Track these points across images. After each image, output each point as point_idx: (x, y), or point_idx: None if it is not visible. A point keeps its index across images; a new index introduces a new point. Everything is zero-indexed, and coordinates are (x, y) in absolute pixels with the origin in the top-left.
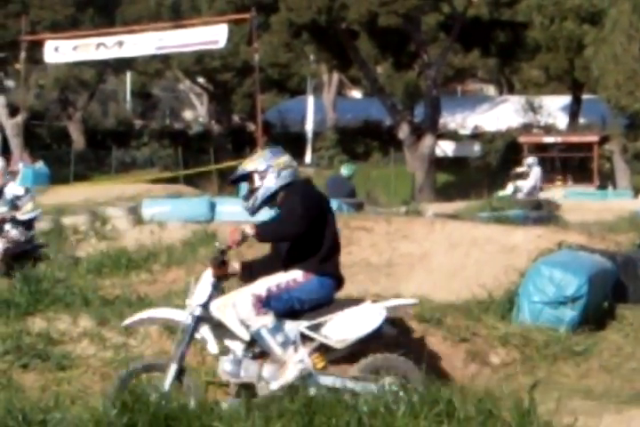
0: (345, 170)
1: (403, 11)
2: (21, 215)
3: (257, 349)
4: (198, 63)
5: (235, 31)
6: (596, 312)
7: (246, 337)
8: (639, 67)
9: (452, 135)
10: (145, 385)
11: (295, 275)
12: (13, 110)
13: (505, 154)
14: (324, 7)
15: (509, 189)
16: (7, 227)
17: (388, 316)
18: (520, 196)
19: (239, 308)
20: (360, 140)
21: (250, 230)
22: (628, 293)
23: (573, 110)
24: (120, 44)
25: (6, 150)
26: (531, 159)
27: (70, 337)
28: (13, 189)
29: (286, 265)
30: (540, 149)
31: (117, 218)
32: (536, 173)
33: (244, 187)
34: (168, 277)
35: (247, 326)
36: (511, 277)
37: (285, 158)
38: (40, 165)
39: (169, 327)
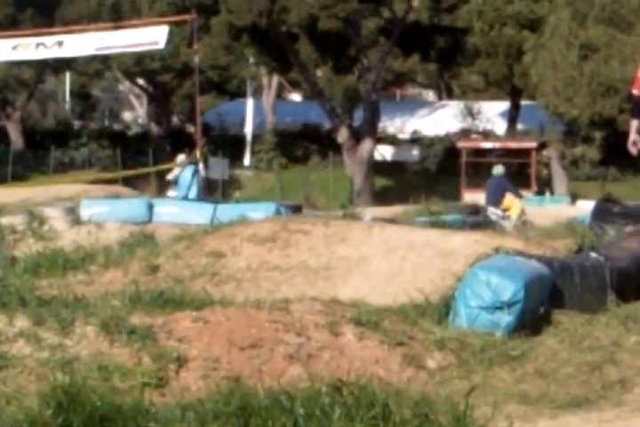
0: (496, 171)
1: (343, 14)
2: None
3: None
4: (138, 64)
5: (175, 33)
6: (533, 317)
7: None
8: (577, 73)
9: (391, 139)
10: (80, 385)
11: None
12: None
13: (443, 159)
14: (264, 10)
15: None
16: None
17: None
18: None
19: None
20: (299, 143)
21: None
22: (564, 298)
23: (512, 116)
24: (60, 44)
25: None
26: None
27: (6, 337)
28: None
29: None
30: (478, 154)
31: (55, 218)
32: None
33: (182, 188)
34: (105, 277)
35: None
36: (448, 282)
37: None
38: None
39: (107, 327)
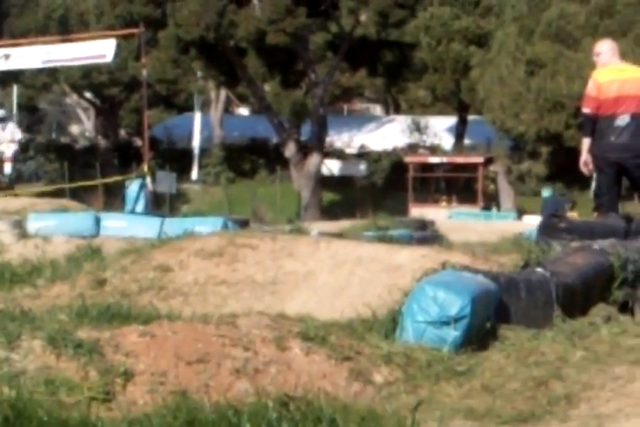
0: (546, 192)
1: (291, 29)
2: None
3: None
4: (86, 77)
5: (123, 46)
6: (479, 333)
7: None
8: (524, 89)
9: (339, 154)
10: (27, 399)
11: None
12: None
13: (391, 173)
14: (212, 24)
15: None
16: None
17: None
18: None
19: None
20: (247, 157)
21: None
22: (510, 313)
23: (459, 131)
24: (6, 56)
25: None
26: None
27: None
28: None
29: None
30: (425, 169)
31: (1, 232)
32: None
33: (129, 202)
34: (52, 291)
35: None
36: (395, 297)
37: None
38: None
39: (53, 341)
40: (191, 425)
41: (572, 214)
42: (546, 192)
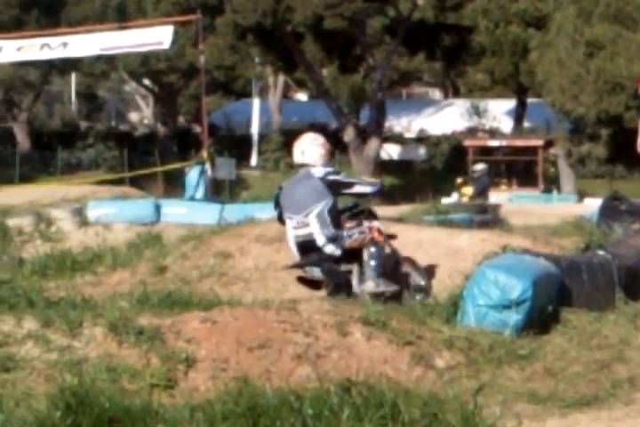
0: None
1: (348, 14)
2: None
3: None
4: (144, 65)
5: (180, 33)
6: (541, 316)
7: None
8: (583, 71)
9: (398, 138)
10: (89, 387)
11: None
12: None
13: (450, 157)
14: (269, 9)
15: (454, 197)
16: None
17: None
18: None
19: None
20: None
21: None
22: (572, 297)
23: (518, 114)
24: (65, 44)
25: None
26: (480, 166)
27: (14, 339)
28: None
29: None
30: (484, 152)
31: (62, 220)
32: (483, 180)
33: (189, 188)
34: (113, 278)
35: None
36: (456, 281)
37: None
38: None
39: (115, 329)
40: (253, 411)
41: None
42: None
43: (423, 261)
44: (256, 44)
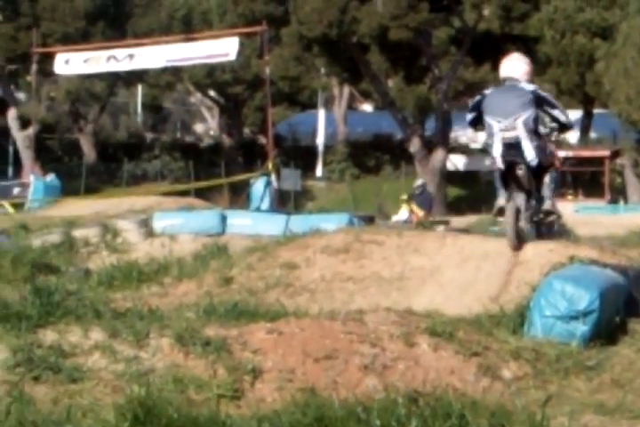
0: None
1: (414, 24)
2: None
3: None
4: (209, 76)
5: (246, 44)
6: (608, 327)
7: None
8: None
9: (463, 149)
10: (156, 397)
11: None
12: (24, 123)
13: None
14: (334, 21)
15: (403, 214)
16: None
17: None
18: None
19: None
20: (371, 153)
21: None
22: (639, 307)
23: (584, 124)
24: (131, 56)
25: (17, 163)
26: (419, 181)
27: (82, 350)
28: None
29: None
30: None
31: (128, 231)
32: (426, 196)
33: (255, 199)
34: (179, 289)
35: None
36: (523, 292)
37: None
38: (51, 177)
39: (181, 339)
40: (320, 422)
41: None
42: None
43: (490, 272)
44: (321, 55)
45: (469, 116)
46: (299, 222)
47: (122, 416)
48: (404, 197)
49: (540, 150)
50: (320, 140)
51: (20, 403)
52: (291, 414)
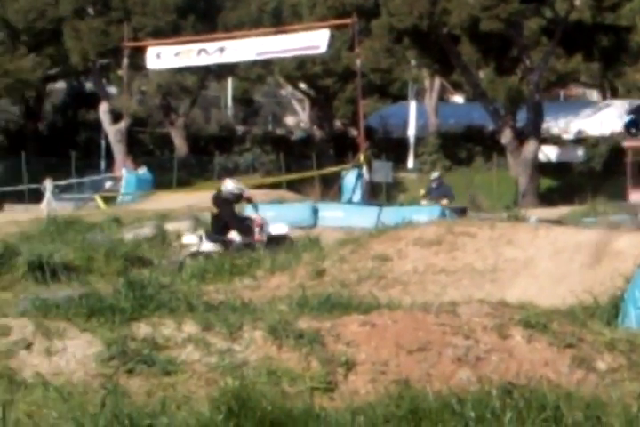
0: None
1: (504, 15)
2: None
3: None
4: (300, 69)
5: (336, 36)
6: None
7: None
8: None
9: (555, 140)
10: (250, 390)
11: None
12: (116, 117)
13: (609, 159)
14: (425, 12)
15: None
16: None
17: None
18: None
19: None
20: (462, 145)
21: None
22: None
23: None
24: (221, 49)
25: (109, 156)
26: (434, 173)
27: (175, 342)
28: None
29: None
30: None
31: None
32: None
33: (346, 192)
34: (272, 282)
35: None
36: (617, 283)
37: None
38: (143, 171)
39: (274, 332)
40: (414, 414)
41: None
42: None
43: (583, 263)
44: (412, 47)
45: (627, 118)
46: (390, 214)
47: (216, 409)
48: (423, 191)
49: None
50: (411, 132)
51: (114, 395)
52: (385, 406)
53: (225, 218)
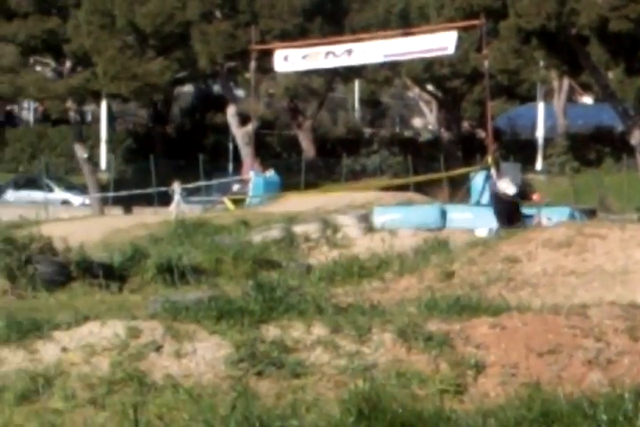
0: None
1: (634, 15)
2: None
3: None
4: (427, 70)
5: (464, 38)
6: None
7: None
8: None
9: None
10: (380, 392)
11: None
12: (244, 119)
13: None
14: (553, 13)
15: None
16: None
17: None
18: None
19: None
20: (591, 146)
21: None
22: None
23: None
24: (349, 52)
25: (237, 159)
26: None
27: (304, 345)
28: None
29: None
30: None
31: (348, 226)
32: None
33: (475, 194)
34: (400, 284)
35: None
36: None
37: None
38: (271, 173)
39: (404, 334)
40: (546, 417)
41: None
42: None
43: None
44: (540, 48)
45: None
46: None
47: (346, 411)
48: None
49: None
50: (540, 134)
51: (244, 398)
52: (515, 409)
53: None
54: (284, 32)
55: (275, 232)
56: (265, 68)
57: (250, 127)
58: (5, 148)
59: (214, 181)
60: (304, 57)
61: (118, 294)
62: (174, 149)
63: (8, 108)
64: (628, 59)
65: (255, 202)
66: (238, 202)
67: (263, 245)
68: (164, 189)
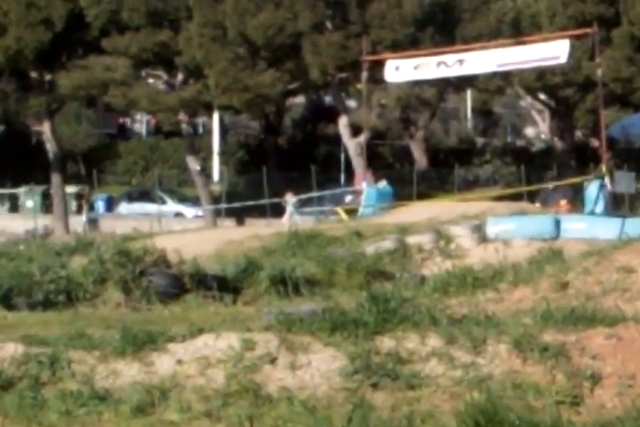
0: None
1: None
2: None
3: None
4: (540, 79)
5: (576, 46)
6: None
7: None
8: None
9: None
10: (497, 403)
11: None
12: (355, 130)
13: None
14: None
15: None
16: None
17: None
18: None
19: None
20: None
21: None
22: None
23: None
24: (461, 62)
25: (349, 170)
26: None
27: (419, 356)
28: None
29: None
30: None
31: (462, 236)
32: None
33: (588, 203)
34: (514, 295)
35: None
36: None
37: None
38: (384, 184)
39: (519, 345)
40: None
41: None
42: None
43: None
44: None
45: None
46: (635, 226)
47: (463, 423)
48: None
49: None
50: None
51: (361, 409)
52: (633, 420)
53: None
54: (395, 42)
55: (388, 243)
56: (376, 78)
57: (362, 138)
58: (118, 160)
59: (326, 192)
60: (415, 67)
61: (232, 305)
62: (286, 160)
63: (121, 120)
64: None
65: (368, 213)
66: (351, 212)
67: (376, 257)
68: (276, 200)
